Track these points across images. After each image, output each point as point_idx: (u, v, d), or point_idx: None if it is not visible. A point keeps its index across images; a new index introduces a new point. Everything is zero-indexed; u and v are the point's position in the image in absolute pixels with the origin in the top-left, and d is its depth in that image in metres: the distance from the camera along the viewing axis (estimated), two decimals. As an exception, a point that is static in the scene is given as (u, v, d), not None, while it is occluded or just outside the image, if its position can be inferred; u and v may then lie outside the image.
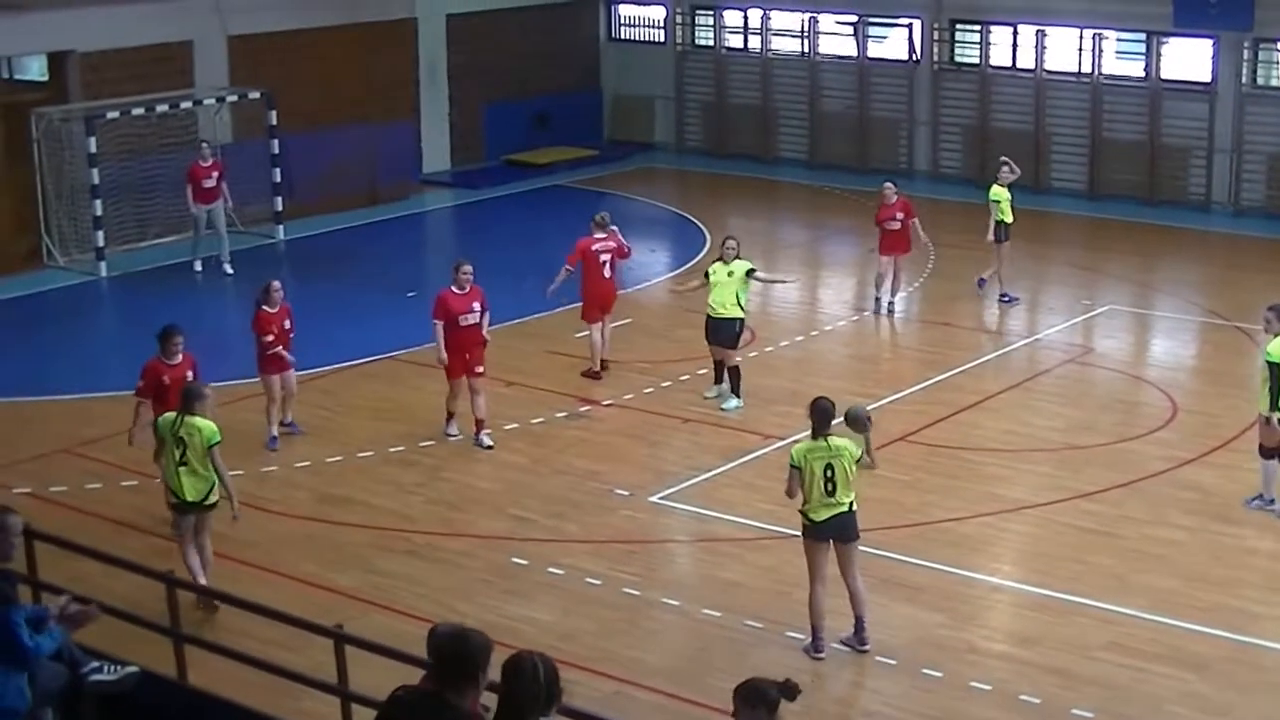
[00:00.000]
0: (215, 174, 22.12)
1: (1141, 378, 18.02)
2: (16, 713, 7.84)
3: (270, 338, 15.28)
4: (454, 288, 15.54)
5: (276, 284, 15.49)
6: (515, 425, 16.22)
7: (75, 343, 19.19)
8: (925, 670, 11.30)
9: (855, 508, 11.38)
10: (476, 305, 15.52)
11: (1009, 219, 20.20)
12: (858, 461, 11.40)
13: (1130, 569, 12.95)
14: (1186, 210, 25.71)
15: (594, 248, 17.38)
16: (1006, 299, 20.36)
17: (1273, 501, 13.96)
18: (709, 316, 16.61)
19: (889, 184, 20.32)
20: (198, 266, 22.47)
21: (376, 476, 15.02)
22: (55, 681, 8.23)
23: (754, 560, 12.99)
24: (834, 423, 11.48)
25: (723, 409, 16.47)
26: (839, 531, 11.36)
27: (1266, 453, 13.95)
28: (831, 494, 11.23)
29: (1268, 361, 13.57)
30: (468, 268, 15.59)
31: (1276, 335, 13.56)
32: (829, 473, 11.19)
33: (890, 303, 20.04)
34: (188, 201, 22.05)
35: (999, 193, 20.24)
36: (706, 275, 16.74)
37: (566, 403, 16.83)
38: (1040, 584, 12.70)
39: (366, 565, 13.08)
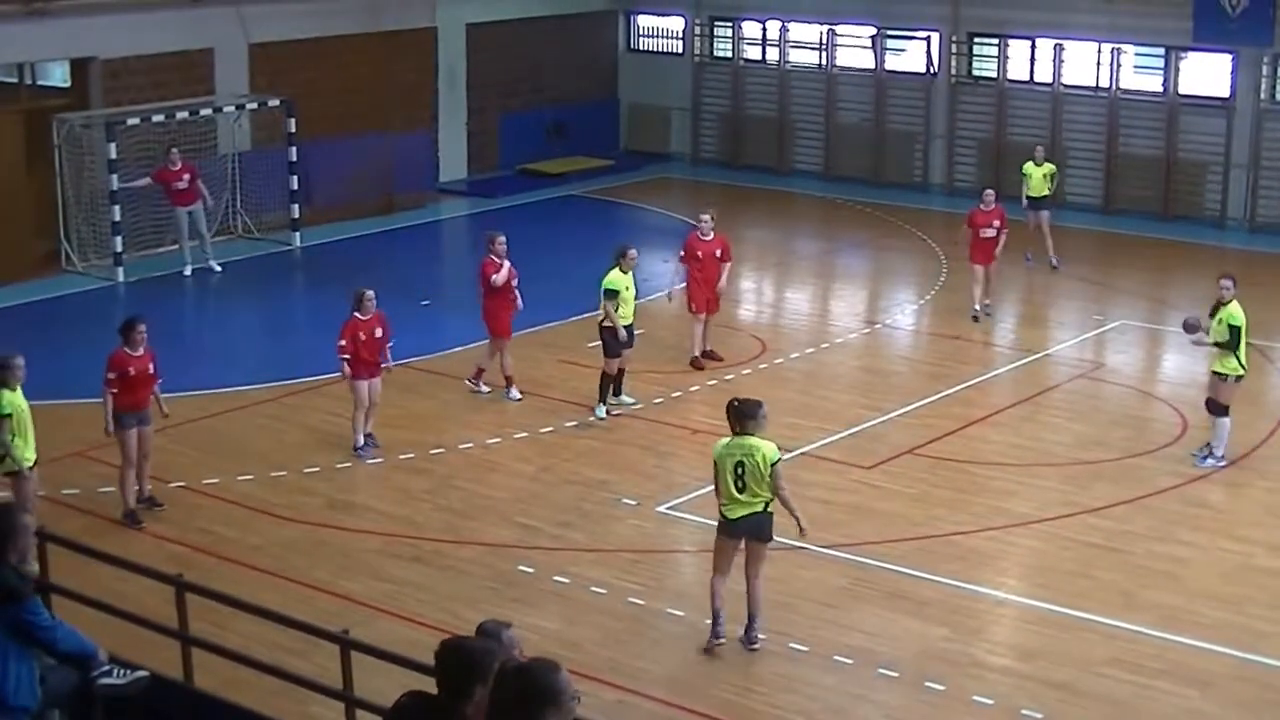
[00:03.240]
0: (186, 176, 22.37)
1: (1152, 394, 18.05)
2: (27, 711, 7.91)
3: (342, 342, 15.54)
4: (492, 256, 16.95)
5: (370, 292, 15.74)
6: (525, 434, 16.32)
7: (91, 347, 19.16)
8: (928, 683, 11.34)
9: (770, 510, 11.43)
10: (513, 272, 17.06)
11: (1032, 193, 22.78)
12: (773, 465, 11.33)
13: (1136, 585, 12.97)
14: (1201, 226, 25.71)
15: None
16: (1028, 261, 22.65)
17: (1221, 458, 15.31)
18: (627, 327, 16.78)
19: (990, 190, 20.90)
20: (187, 271, 22.69)
21: (386, 483, 15.13)
22: (64, 684, 8.31)
23: (759, 571, 13.03)
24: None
25: (628, 404, 16.95)
26: (752, 531, 11.50)
27: (1218, 409, 15.26)
28: (741, 491, 11.35)
29: (1230, 325, 15.04)
30: (502, 238, 17.05)
31: (1233, 300, 15.22)
32: (739, 470, 11.33)
33: (986, 305, 20.36)
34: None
35: (1025, 168, 23.00)
36: (612, 291, 16.71)
37: (577, 412, 16.91)
38: (1045, 599, 12.73)
39: (374, 572, 13.17)
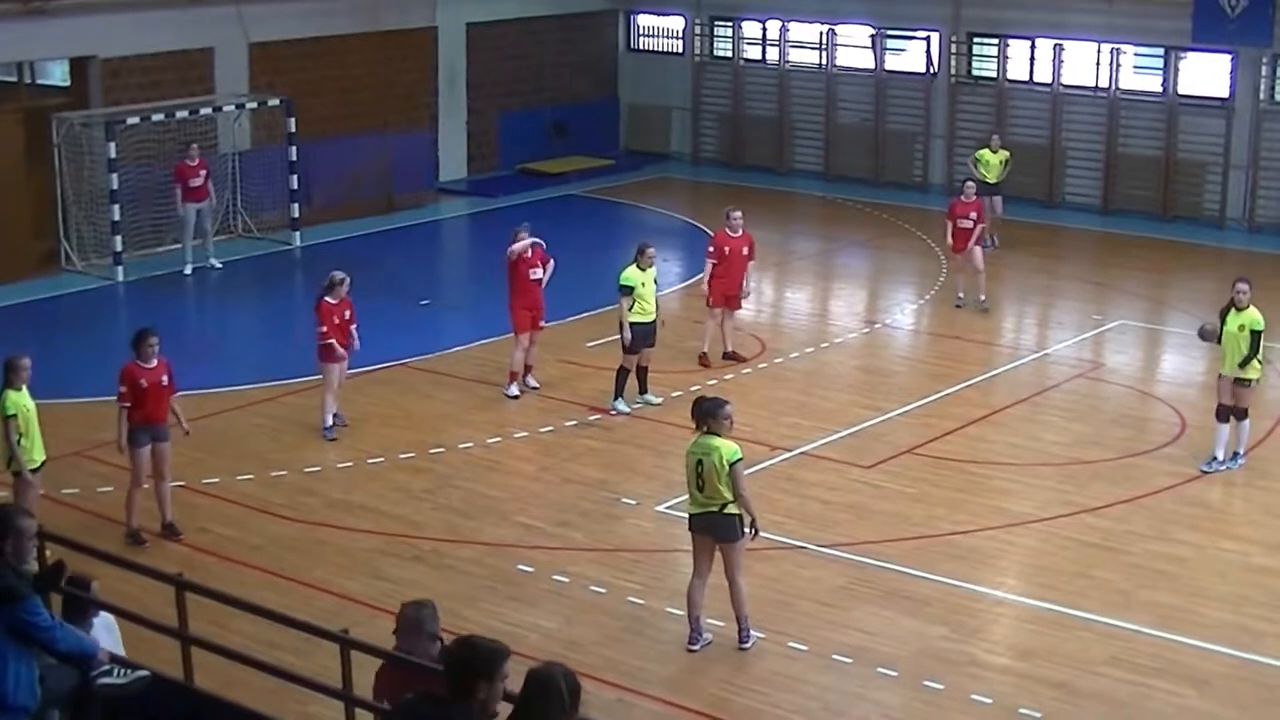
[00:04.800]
0: (203, 173, 22.45)
1: (1151, 394, 18.06)
2: (26, 711, 7.92)
3: (324, 328, 15.80)
4: (525, 252, 17.07)
5: (341, 275, 16.02)
6: (525, 434, 16.34)
7: (91, 347, 19.33)
8: (927, 682, 11.35)
9: (730, 510, 11.41)
10: (540, 264, 17.19)
11: (990, 179, 23.75)
12: (731, 465, 11.30)
13: (1135, 584, 12.99)
14: (1201, 226, 25.73)
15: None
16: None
17: (1233, 456, 15.29)
18: (643, 323, 16.82)
19: (970, 182, 21.47)
20: (188, 270, 22.71)
21: (386, 483, 15.13)
22: (64, 683, 8.31)
23: (758, 571, 12.99)
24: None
25: (654, 403, 16.98)
26: (712, 530, 11.50)
27: (1240, 414, 15.15)
28: (701, 490, 11.40)
29: (1253, 330, 14.94)
30: (524, 232, 17.05)
31: (1249, 305, 15.11)
32: (699, 469, 11.38)
33: (981, 299, 20.66)
34: (176, 203, 22.43)
35: (982, 155, 24.12)
36: (628, 288, 16.77)
37: (576, 411, 16.94)
38: (1044, 598, 12.75)
39: (374, 571, 13.19)
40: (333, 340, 15.82)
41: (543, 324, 17.45)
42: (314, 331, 16.09)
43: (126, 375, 13.58)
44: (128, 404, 13.52)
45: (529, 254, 17.16)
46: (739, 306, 18.82)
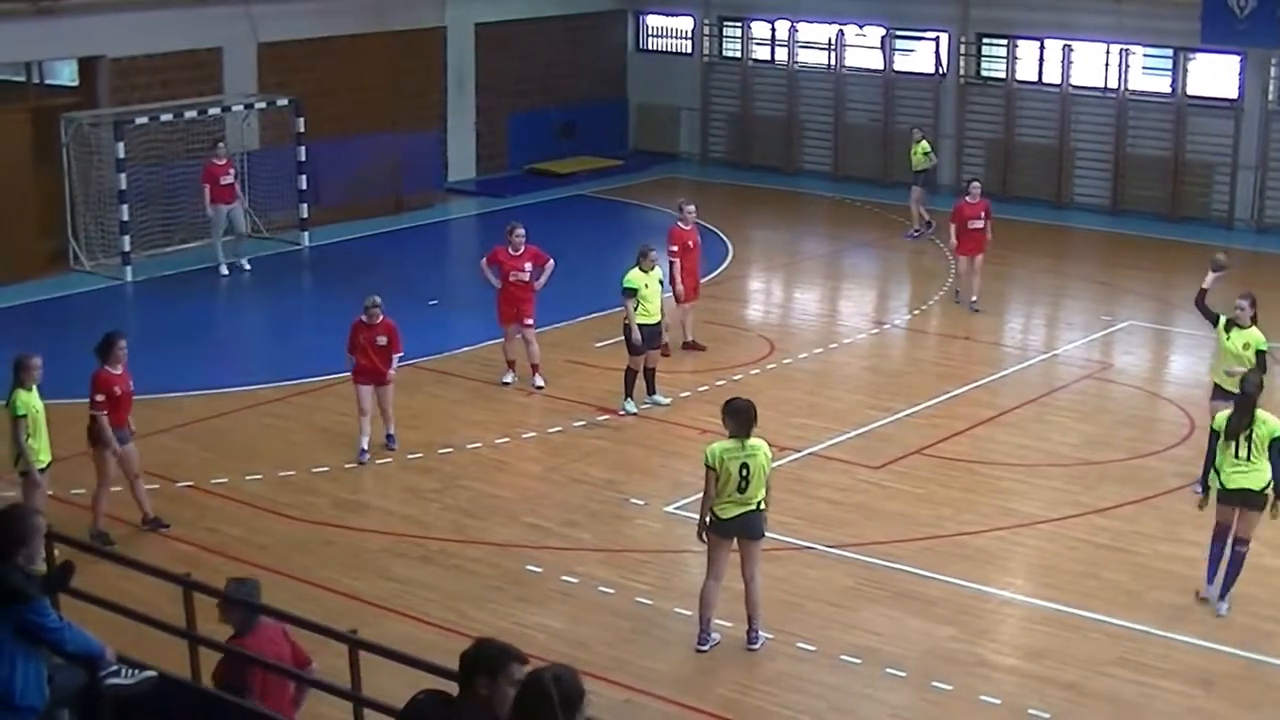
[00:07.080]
0: (231, 172, 22.43)
1: (1159, 394, 18.04)
2: (35, 710, 7.93)
3: (349, 347, 15.59)
4: (509, 249, 17.33)
5: (376, 299, 15.54)
6: (533, 434, 16.35)
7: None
8: (935, 683, 11.35)
9: (764, 507, 11.53)
10: (528, 266, 17.30)
11: (916, 168, 25.08)
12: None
13: (1142, 585, 12.97)
14: (1209, 227, 25.70)
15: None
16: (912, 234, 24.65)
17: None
18: (647, 325, 16.83)
19: (976, 183, 21.19)
20: (224, 270, 22.71)
21: (394, 483, 15.14)
22: (72, 683, 8.33)
23: (766, 571, 12.92)
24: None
25: (663, 404, 17.03)
26: (744, 529, 11.55)
27: None
28: (744, 491, 11.42)
29: (1258, 350, 14.32)
30: (520, 230, 17.32)
31: (1251, 325, 14.41)
32: (744, 471, 11.38)
33: (973, 301, 20.63)
34: (204, 203, 22.39)
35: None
36: (632, 290, 16.76)
37: (584, 412, 16.94)
38: (1052, 599, 12.73)
39: (382, 571, 13.19)
40: (355, 360, 15.58)
41: (529, 321, 17.40)
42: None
43: (101, 383, 13.50)
44: (105, 411, 13.49)
45: (516, 252, 17.30)
46: (698, 296, 19.12)
